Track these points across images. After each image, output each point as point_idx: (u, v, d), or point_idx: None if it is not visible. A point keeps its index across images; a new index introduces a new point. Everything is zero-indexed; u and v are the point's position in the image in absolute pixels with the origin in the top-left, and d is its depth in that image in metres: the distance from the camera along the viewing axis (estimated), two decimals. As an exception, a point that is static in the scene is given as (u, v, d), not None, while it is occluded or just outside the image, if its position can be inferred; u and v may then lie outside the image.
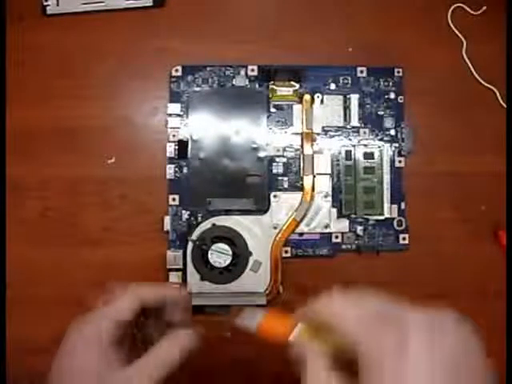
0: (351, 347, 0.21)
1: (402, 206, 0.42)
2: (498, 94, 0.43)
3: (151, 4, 0.42)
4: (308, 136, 0.41)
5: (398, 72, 0.42)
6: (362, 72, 0.42)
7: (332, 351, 0.22)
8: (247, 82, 0.42)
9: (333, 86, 0.42)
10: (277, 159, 0.41)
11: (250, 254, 0.39)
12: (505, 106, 0.43)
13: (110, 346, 0.25)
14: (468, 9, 0.43)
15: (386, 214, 0.41)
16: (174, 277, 0.40)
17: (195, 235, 0.39)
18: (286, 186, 0.41)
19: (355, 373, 0.21)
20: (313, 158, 0.41)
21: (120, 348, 0.26)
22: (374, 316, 0.21)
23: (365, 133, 0.42)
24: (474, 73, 0.43)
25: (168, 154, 0.41)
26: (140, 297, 0.27)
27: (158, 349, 0.26)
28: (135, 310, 0.26)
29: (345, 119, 0.42)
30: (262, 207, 0.40)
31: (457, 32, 0.43)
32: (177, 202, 0.40)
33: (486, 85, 0.43)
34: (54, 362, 0.26)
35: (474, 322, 0.21)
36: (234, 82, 0.42)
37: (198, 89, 0.42)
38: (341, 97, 0.42)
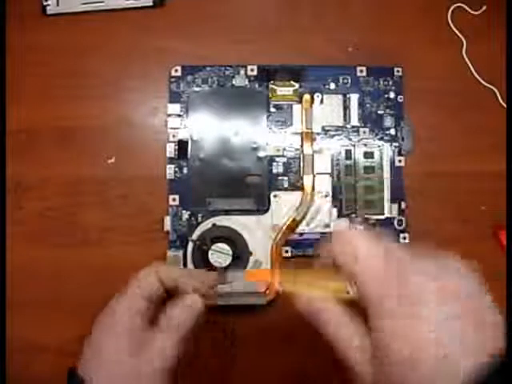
0: (357, 295, 0.22)
1: (403, 205, 0.42)
2: (498, 94, 0.43)
3: (151, 4, 0.42)
4: (308, 136, 0.41)
5: (398, 71, 0.42)
6: (361, 72, 0.42)
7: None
8: (247, 82, 0.42)
9: (332, 86, 0.42)
10: (277, 159, 0.41)
11: (251, 253, 0.39)
12: (505, 105, 0.43)
13: (136, 316, 0.28)
14: (468, 9, 0.43)
15: (387, 214, 0.41)
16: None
17: (195, 235, 0.39)
18: (286, 185, 0.41)
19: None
20: (313, 157, 0.41)
21: (146, 321, 0.28)
22: (392, 274, 0.21)
23: (365, 132, 0.42)
24: (474, 73, 0.43)
25: (168, 154, 0.41)
26: (158, 275, 0.30)
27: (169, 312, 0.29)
28: (156, 288, 0.29)
29: (344, 119, 0.42)
30: (262, 207, 0.40)
31: (457, 32, 0.43)
32: (177, 202, 0.40)
33: (486, 85, 0.43)
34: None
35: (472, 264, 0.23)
36: (233, 82, 0.42)
37: (197, 89, 0.42)
38: (340, 96, 0.42)
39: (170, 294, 0.30)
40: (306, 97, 0.41)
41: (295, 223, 0.40)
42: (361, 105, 0.42)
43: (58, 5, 0.42)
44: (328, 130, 0.42)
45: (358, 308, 0.23)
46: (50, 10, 0.42)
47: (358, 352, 0.22)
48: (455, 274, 0.22)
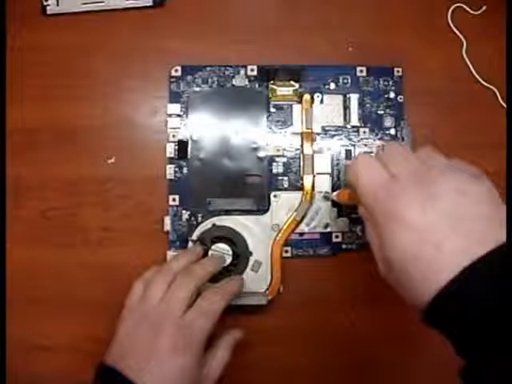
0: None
1: (402, 205, 0.42)
2: (498, 94, 0.43)
3: (151, 4, 0.42)
4: (308, 136, 0.41)
5: (398, 71, 0.42)
6: (361, 72, 0.42)
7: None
8: (247, 82, 0.42)
9: (332, 86, 0.42)
10: (277, 159, 0.41)
11: (251, 253, 0.39)
12: (505, 105, 0.43)
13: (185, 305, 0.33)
14: (468, 9, 0.43)
15: (386, 214, 0.41)
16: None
17: (195, 235, 0.39)
18: (286, 185, 0.41)
19: None
20: (313, 157, 0.41)
21: None
22: (381, 185, 0.27)
23: (365, 132, 0.42)
24: (474, 73, 0.43)
25: (168, 154, 0.41)
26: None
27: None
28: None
29: (345, 119, 0.42)
30: (262, 207, 0.40)
31: (457, 32, 0.43)
32: (177, 203, 0.40)
33: (486, 85, 0.43)
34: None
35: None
36: (233, 82, 0.42)
37: (197, 89, 0.42)
38: (340, 96, 0.42)
39: None
40: (306, 97, 0.41)
41: (295, 223, 0.40)
42: (361, 105, 0.42)
43: (58, 5, 0.42)
44: (328, 130, 0.42)
45: None
46: (50, 10, 0.42)
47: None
48: (472, 176, 0.26)
